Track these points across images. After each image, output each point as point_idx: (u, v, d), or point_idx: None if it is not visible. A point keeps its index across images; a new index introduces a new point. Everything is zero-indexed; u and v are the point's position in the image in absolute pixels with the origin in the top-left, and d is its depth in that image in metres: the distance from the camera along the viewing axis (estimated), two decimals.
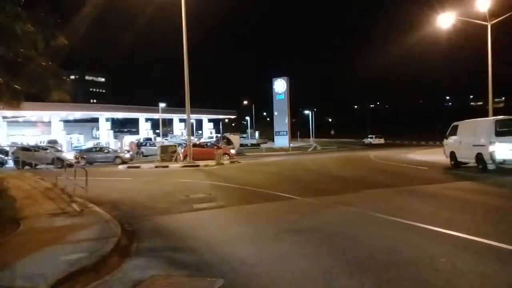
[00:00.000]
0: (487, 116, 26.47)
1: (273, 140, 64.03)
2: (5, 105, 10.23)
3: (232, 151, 34.17)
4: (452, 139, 20.47)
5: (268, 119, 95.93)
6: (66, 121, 65.90)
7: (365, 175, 18.68)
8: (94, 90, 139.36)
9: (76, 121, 71.42)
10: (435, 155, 25.49)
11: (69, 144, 54.14)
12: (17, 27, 8.47)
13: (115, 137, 62.32)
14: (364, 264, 5.90)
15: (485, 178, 15.29)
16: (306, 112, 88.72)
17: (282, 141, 58.45)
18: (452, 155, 20.19)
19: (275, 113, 63.14)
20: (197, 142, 38.21)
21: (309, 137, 75.55)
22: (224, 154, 32.04)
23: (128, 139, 49.14)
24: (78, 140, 61.26)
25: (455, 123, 20.63)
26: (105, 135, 61.41)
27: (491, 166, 16.71)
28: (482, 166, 17.14)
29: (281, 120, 61.31)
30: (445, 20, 29.14)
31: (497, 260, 5.82)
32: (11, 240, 7.60)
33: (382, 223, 8.46)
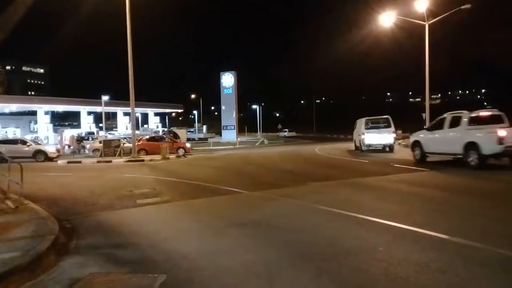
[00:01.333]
0: (425, 112, 29.27)
1: (221, 135, 63.86)
2: None
3: (188, 145, 33.84)
4: (354, 132, 31.86)
5: (216, 113, 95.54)
6: (1, 114, 62.26)
7: (310, 169, 19.08)
8: (33, 81, 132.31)
9: (12, 114, 67.62)
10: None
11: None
12: None
13: (55, 131, 59.60)
14: (306, 255, 6.02)
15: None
16: (254, 106, 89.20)
17: (229, 135, 58.44)
18: (355, 143, 31.39)
19: (223, 108, 62.97)
20: (152, 136, 37.28)
21: (257, 132, 76.10)
22: (180, 148, 31.77)
23: (69, 133, 47.13)
24: (15, 134, 58.00)
25: (357, 120, 31.35)
26: (44, 129, 58.61)
27: (364, 148, 28.63)
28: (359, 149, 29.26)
29: (229, 114, 61.25)
30: (386, 19, 30.35)
31: (432, 248, 6.13)
32: None
33: (325, 215, 8.68)
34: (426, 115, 31.13)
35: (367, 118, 29.63)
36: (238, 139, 55.35)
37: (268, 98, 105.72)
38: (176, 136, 42.25)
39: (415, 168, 16.93)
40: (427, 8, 28.73)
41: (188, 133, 60.07)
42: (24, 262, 5.76)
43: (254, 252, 6.25)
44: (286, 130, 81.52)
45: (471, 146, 15.97)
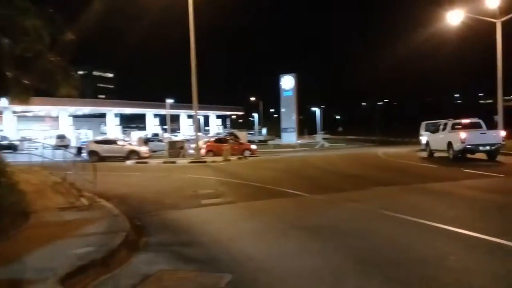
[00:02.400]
0: (496, 114, 27.69)
1: (280, 137, 63.93)
2: (14, 100, 10.32)
3: (254, 147, 34.16)
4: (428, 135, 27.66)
5: (275, 115, 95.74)
6: (75, 116, 66.38)
7: (373, 172, 18.58)
8: (103, 85, 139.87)
9: (85, 116, 71.90)
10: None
11: (78, 139, 54.51)
12: (26, 21, 8.51)
13: (123, 132, 62.69)
14: (372, 261, 5.87)
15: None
16: (314, 109, 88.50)
17: (289, 138, 58.36)
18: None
19: (283, 110, 63.02)
20: (219, 138, 38.03)
21: (317, 134, 75.34)
22: (246, 149, 32.17)
23: (136, 134, 49.30)
24: (87, 135, 61.63)
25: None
26: (113, 130, 61.78)
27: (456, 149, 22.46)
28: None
29: (289, 116, 61.20)
30: (454, 17, 28.92)
31: (509, 258, 5.76)
32: (21, 234, 7.65)
33: (390, 221, 8.42)
34: (499, 118, 29.18)
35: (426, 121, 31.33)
36: (298, 141, 55.16)
37: (328, 100, 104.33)
38: (236, 138, 42.90)
39: (487, 174, 15.99)
40: (498, 5, 27.06)
41: (248, 135, 60.71)
42: (98, 257, 6.09)
43: (318, 256, 6.19)
44: (321, 132, 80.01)
45: (449, 145, 21.44)
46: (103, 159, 27.69)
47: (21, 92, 10.08)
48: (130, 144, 32.63)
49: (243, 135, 47.04)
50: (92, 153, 28.56)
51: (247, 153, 31.75)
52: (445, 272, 5.32)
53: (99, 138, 39.47)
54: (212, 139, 36.12)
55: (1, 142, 38.06)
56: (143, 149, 30.09)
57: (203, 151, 30.44)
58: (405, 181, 14.64)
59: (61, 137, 48.42)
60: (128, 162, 27.09)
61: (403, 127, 72.89)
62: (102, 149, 28.96)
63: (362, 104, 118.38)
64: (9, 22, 8.24)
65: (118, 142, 31.01)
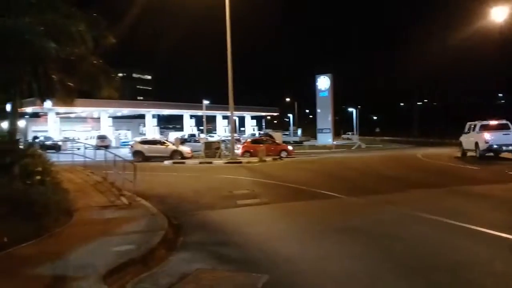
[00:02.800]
0: None
1: (315, 138, 63.46)
2: (59, 101, 10.75)
3: (290, 148, 34.16)
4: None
5: (310, 116, 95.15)
6: (114, 117, 68.25)
7: (412, 175, 18.17)
8: (141, 87, 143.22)
9: (124, 117, 73.79)
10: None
11: (117, 139, 56.01)
12: (71, 26, 8.85)
13: (161, 133, 63.97)
14: (412, 265, 5.75)
15: None
16: (350, 109, 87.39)
17: (325, 138, 57.81)
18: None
19: (318, 111, 62.52)
20: (255, 139, 38.19)
21: (353, 135, 74.33)
22: (283, 150, 32.15)
23: (173, 135, 50.18)
24: (126, 136, 63.27)
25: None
26: (151, 131, 63.13)
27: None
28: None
29: (324, 117, 60.64)
30: (499, 14, 27.84)
31: None
32: (65, 231, 7.95)
33: (430, 224, 8.21)
34: None
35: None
36: (334, 142, 54.61)
37: (365, 100, 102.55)
38: (272, 139, 42.89)
39: None
40: None
41: (283, 136, 60.59)
42: (138, 255, 6.25)
43: (355, 259, 6.11)
44: (349, 133, 79.13)
45: (476, 145, 23.35)
46: (147, 159, 28.38)
47: (66, 94, 10.50)
48: (173, 144, 33.14)
49: (278, 136, 46.98)
50: (137, 153, 29.34)
51: (283, 154, 31.66)
52: (488, 277, 5.15)
53: (144, 138, 40.33)
54: (249, 140, 36.23)
55: (45, 142, 39.62)
56: (186, 149, 30.55)
57: (240, 152, 30.60)
58: (445, 183, 14.23)
59: (101, 137, 49.86)
60: (166, 162, 27.59)
61: (444, 128, 70.91)
62: (147, 149, 29.66)
63: (401, 104, 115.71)
64: (55, 28, 8.58)
65: (162, 143, 31.60)
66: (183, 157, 28.91)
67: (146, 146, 30.17)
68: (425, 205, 10.03)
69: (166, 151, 29.46)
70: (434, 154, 30.27)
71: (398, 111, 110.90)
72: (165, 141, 32.51)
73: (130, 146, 32.87)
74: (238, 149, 31.69)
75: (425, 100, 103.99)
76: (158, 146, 30.00)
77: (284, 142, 46.62)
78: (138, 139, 40.99)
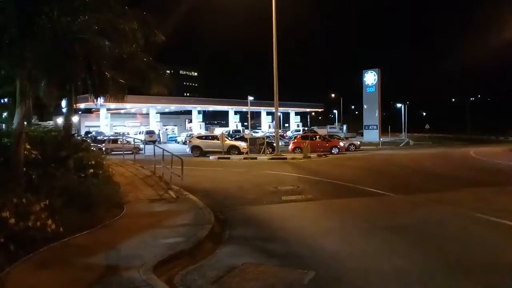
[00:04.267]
0: None
1: (361, 134, 62.27)
2: (111, 98, 11.14)
3: (342, 144, 33.75)
4: None
5: (356, 112, 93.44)
6: (162, 113, 69.99)
7: (464, 173, 17.46)
8: (188, 83, 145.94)
9: (171, 113, 75.51)
10: None
11: (165, 134, 57.38)
12: (124, 25, 9.13)
13: (206, 129, 64.99)
14: (462, 266, 5.56)
15: None
16: (398, 105, 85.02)
17: (371, 135, 56.53)
18: None
19: (365, 106, 61.19)
20: (306, 135, 38.10)
21: (401, 132, 72.32)
22: (334, 147, 31.83)
23: (219, 131, 50.82)
24: (173, 131, 64.70)
25: None
26: (197, 127, 64.26)
27: None
28: None
29: (371, 113, 59.28)
30: None
31: None
32: (116, 223, 8.26)
33: (483, 224, 7.89)
34: None
35: None
36: (381, 139, 53.35)
37: (414, 96, 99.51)
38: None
39: None
40: None
41: (328, 132, 59.87)
42: (187, 247, 6.40)
43: (404, 258, 5.97)
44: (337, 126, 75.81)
45: None
46: (205, 154, 28.99)
47: (117, 91, 10.87)
48: (230, 139, 33.57)
49: (323, 132, 46.49)
50: (195, 148, 30.13)
51: (335, 150, 31.29)
52: None
53: (202, 133, 41.34)
54: (299, 135, 36.06)
55: (97, 137, 41.20)
56: (243, 145, 30.88)
57: (290, 148, 30.57)
58: (499, 182, 13.60)
59: (150, 132, 51.23)
60: (211, 158, 28.01)
61: (497, 125, 67.67)
62: (204, 144, 30.29)
63: (452, 100, 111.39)
64: (109, 26, 8.88)
65: (218, 139, 32.11)
66: (240, 152, 29.35)
67: (203, 141, 30.78)
68: (478, 205, 9.63)
69: (224, 146, 29.98)
70: (487, 151, 28.95)
71: (449, 107, 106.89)
72: (224, 136, 33.01)
73: (188, 141, 33.69)
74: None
75: (478, 96, 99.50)
76: (215, 141, 30.48)
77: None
78: (195, 134, 41.85)
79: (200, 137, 33.11)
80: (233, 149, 29.84)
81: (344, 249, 6.54)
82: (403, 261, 5.84)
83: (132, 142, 31.00)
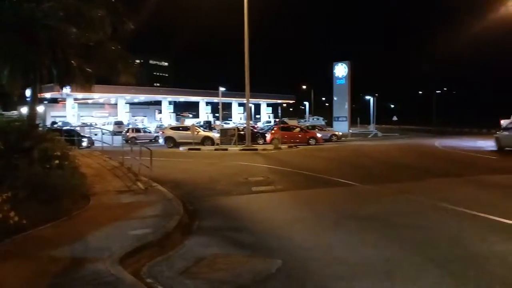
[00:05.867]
0: None
1: (331, 126, 63.05)
2: (78, 87, 10.87)
3: (319, 135, 34.09)
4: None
5: (327, 104, 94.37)
6: (131, 104, 68.83)
7: (429, 164, 17.98)
8: (158, 74, 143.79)
9: (140, 103, 74.35)
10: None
11: (134, 125, 56.47)
12: (91, 11, 8.89)
13: (177, 120, 64.34)
14: (427, 254, 5.72)
15: None
16: (367, 97, 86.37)
17: (341, 127, 57.28)
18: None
19: (335, 98, 61.93)
20: (285, 126, 38.33)
21: (369, 124, 73.56)
22: (311, 138, 32.16)
23: (189, 122, 50.40)
24: (142, 122, 63.78)
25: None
26: (167, 118, 63.53)
27: None
28: None
29: (341, 105, 60.08)
30: None
31: None
32: (82, 215, 8.10)
33: (446, 213, 8.15)
34: None
35: None
36: (350, 130, 54.17)
37: (383, 88, 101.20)
38: None
39: None
40: None
41: (299, 123, 60.31)
42: (155, 238, 6.35)
43: (370, 248, 6.11)
44: (320, 118, 77.02)
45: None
46: (178, 145, 28.69)
47: (84, 80, 10.61)
48: (204, 131, 33.41)
49: (293, 124, 46.79)
50: (168, 139, 29.82)
51: (312, 141, 31.69)
52: (504, 268, 5.10)
53: (175, 124, 41.23)
54: (277, 126, 36.27)
55: (63, 128, 40.22)
56: (217, 136, 30.88)
57: (268, 139, 30.74)
58: (462, 172, 14.07)
59: (118, 123, 50.31)
60: (181, 149, 27.78)
61: (462, 117, 69.74)
62: (178, 135, 29.97)
63: (419, 92, 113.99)
64: (75, 12, 8.64)
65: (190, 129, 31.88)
66: (213, 143, 29.34)
67: (177, 132, 30.47)
68: (442, 195, 9.94)
69: (198, 137, 29.75)
70: (452, 143, 29.85)
71: (416, 100, 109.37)
72: (196, 128, 32.78)
73: (161, 132, 33.36)
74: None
75: (444, 89, 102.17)
76: (189, 132, 30.24)
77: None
78: (167, 125, 41.75)
79: (173, 128, 32.80)
80: (207, 140, 29.80)
81: (312, 239, 6.64)
82: (370, 250, 5.98)
83: (152, 132, 37.40)
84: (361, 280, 4.89)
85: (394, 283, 4.78)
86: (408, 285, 4.75)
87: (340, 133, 38.63)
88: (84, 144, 25.70)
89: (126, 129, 40.31)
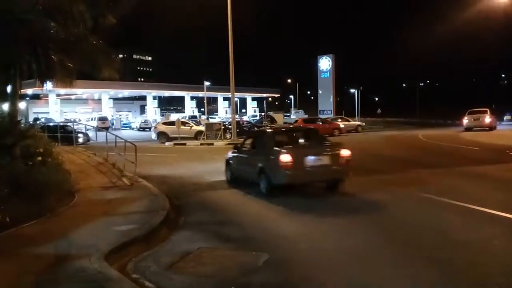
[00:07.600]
0: None
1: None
2: (59, 82, 10.70)
3: (342, 126, 34.89)
4: None
5: (312, 97, 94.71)
6: (115, 99, 68.09)
7: (414, 155, 18.17)
8: (142, 68, 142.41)
9: (125, 98, 73.59)
10: None
11: (119, 121, 55.96)
12: (71, 5, 8.74)
13: (162, 114, 63.87)
14: (412, 244, 5.82)
15: None
16: (352, 90, 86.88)
17: None
18: None
19: (320, 92, 62.26)
20: (309, 118, 39.01)
21: (354, 117, 74.07)
22: (335, 129, 32.44)
23: (174, 117, 50.08)
24: (127, 117, 63.18)
25: None
26: (152, 113, 63.03)
27: None
28: None
29: (326, 98, 60.45)
30: None
31: None
32: (67, 212, 8.02)
33: (432, 204, 8.26)
34: None
35: None
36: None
37: (367, 81, 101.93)
38: (273, 120, 42.72)
39: None
40: None
41: (285, 117, 60.41)
42: (141, 234, 6.32)
43: (355, 238, 6.18)
44: (300, 111, 77.59)
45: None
46: (171, 140, 28.46)
47: (65, 75, 10.44)
48: (197, 125, 33.18)
49: (279, 117, 46.81)
50: (161, 134, 29.59)
51: (336, 132, 32.63)
52: (488, 256, 5.20)
53: (167, 119, 40.73)
54: (300, 119, 37.19)
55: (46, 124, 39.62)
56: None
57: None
58: (447, 163, 14.26)
59: (102, 119, 49.71)
60: (167, 144, 27.63)
61: (445, 109, 70.58)
62: (170, 130, 29.71)
63: (403, 85, 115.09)
64: (55, 6, 8.48)
65: (186, 124, 31.69)
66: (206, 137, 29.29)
67: (169, 127, 30.24)
68: (427, 185, 10.07)
69: (191, 132, 29.59)
70: (435, 134, 30.22)
71: (400, 92, 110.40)
72: (189, 122, 32.61)
73: (153, 128, 33.09)
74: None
75: (427, 81, 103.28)
76: (182, 127, 30.03)
77: (285, 123, 46.50)
78: (159, 120, 41.35)
79: (165, 123, 32.55)
80: (200, 135, 29.72)
81: (297, 231, 6.68)
82: (354, 241, 6.05)
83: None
84: (345, 269, 4.95)
85: (379, 273, 4.84)
86: (394, 274, 4.80)
87: (364, 124, 40.76)
88: (80, 140, 25.21)
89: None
